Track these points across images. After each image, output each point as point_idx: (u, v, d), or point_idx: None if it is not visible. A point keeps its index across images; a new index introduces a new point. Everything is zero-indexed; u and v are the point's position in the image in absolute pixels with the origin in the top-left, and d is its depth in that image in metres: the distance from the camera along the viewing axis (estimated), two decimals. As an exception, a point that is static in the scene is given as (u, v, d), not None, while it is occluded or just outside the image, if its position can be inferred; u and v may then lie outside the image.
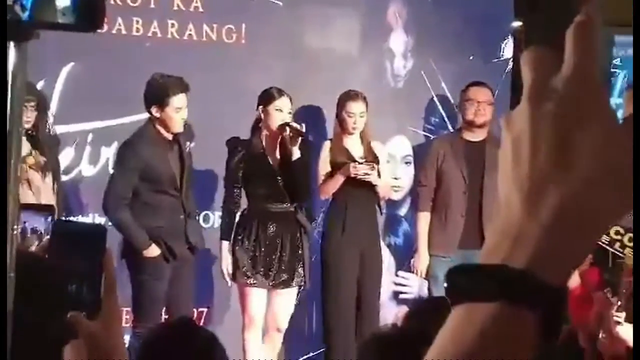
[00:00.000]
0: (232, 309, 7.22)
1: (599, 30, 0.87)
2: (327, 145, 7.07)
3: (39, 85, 6.67)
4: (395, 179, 7.79)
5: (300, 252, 6.72)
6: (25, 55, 1.19)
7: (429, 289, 7.31)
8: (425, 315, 2.83)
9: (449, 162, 7.20)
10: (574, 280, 5.71)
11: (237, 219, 6.70)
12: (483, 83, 7.34)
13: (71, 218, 6.61)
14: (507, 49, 8.18)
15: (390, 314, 7.49)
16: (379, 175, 6.97)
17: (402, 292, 7.85)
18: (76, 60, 6.93)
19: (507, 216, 0.87)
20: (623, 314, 5.85)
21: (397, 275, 7.84)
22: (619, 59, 8.78)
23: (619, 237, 5.62)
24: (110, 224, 6.20)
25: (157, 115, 6.28)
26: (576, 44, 0.86)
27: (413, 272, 7.45)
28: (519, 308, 0.83)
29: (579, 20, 0.87)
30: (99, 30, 1.23)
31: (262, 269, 6.62)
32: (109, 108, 7.02)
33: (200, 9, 7.39)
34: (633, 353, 5.62)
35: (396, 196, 7.82)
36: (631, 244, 5.62)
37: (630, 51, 8.65)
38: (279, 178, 6.64)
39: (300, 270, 6.72)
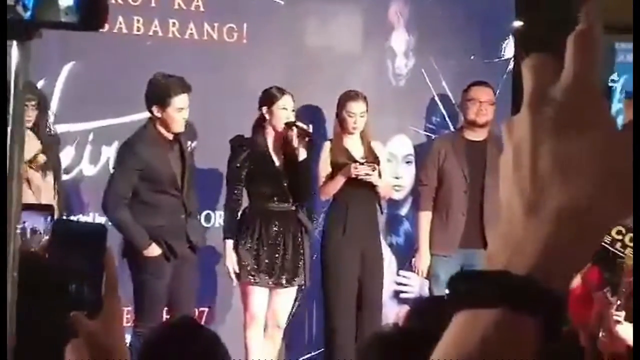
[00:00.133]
0: (233, 308, 7.22)
1: (599, 38, 0.87)
2: (327, 145, 7.07)
3: (40, 84, 6.67)
4: (397, 178, 7.79)
5: (301, 251, 6.73)
6: (28, 54, 1.19)
7: (430, 288, 7.31)
8: (426, 314, 2.83)
9: (450, 161, 7.20)
10: (575, 280, 5.70)
11: (238, 217, 6.71)
12: (485, 82, 7.34)
13: (72, 217, 6.61)
14: (508, 49, 8.19)
15: (392, 313, 7.49)
16: (379, 175, 6.97)
17: (403, 292, 7.86)
18: (77, 59, 6.93)
19: (509, 222, 0.87)
20: (623, 313, 5.85)
21: (398, 275, 7.84)
22: (619, 65, 8.80)
23: (620, 237, 5.62)
24: (110, 223, 6.21)
25: (159, 115, 6.27)
26: (577, 51, 0.87)
27: (414, 272, 7.45)
28: (520, 314, 0.84)
29: (580, 29, 0.87)
30: (100, 30, 1.23)
31: (265, 268, 6.63)
32: (109, 107, 7.02)
33: (201, 8, 7.39)
34: (633, 353, 5.62)
35: (397, 195, 7.82)
36: (632, 244, 5.62)
37: (630, 57, 8.66)
38: (283, 178, 6.65)
39: (301, 269, 6.73)
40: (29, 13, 1.17)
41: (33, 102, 6.22)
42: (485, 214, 7.07)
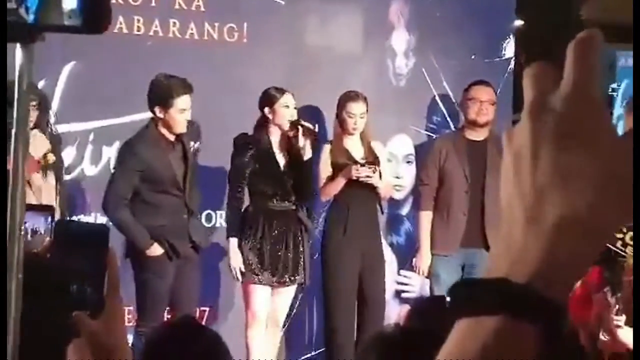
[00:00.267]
0: (234, 307, 7.22)
1: (600, 46, 0.87)
2: (327, 146, 7.07)
3: (40, 84, 6.67)
4: (397, 178, 7.80)
5: (301, 250, 6.74)
6: (31, 57, 1.19)
7: (430, 287, 7.31)
8: (427, 314, 2.83)
9: (451, 161, 7.20)
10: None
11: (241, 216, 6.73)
12: (486, 82, 7.34)
13: (73, 217, 6.61)
14: (509, 48, 8.18)
15: (393, 312, 7.49)
16: (380, 176, 6.98)
17: (404, 291, 7.86)
18: (77, 59, 6.93)
19: (510, 229, 0.87)
20: (623, 317, 5.87)
21: (399, 275, 7.84)
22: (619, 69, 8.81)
23: (620, 235, 5.63)
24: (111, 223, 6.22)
25: (161, 116, 6.28)
26: (576, 60, 0.87)
27: (415, 271, 7.45)
28: (521, 322, 0.84)
29: (580, 37, 0.88)
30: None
31: (268, 267, 6.64)
32: (110, 107, 7.02)
33: (202, 8, 7.39)
34: (633, 353, 5.62)
35: (398, 195, 7.82)
36: (632, 242, 5.63)
37: (631, 61, 8.66)
38: (286, 177, 6.66)
39: (301, 268, 6.74)
40: (32, 16, 1.17)
41: (34, 103, 6.22)
42: (486, 213, 7.07)
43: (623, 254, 5.80)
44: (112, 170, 6.66)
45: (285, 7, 7.59)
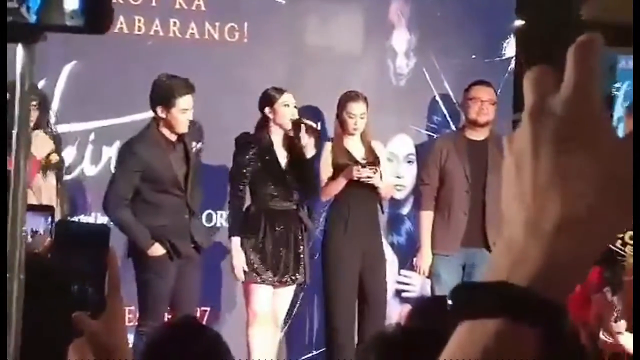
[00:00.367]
0: (235, 307, 7.23)
1: (600, 49, 0.87)
2: (328, 146, 7.07)
3: (41, 84, 6.67)
4: (398, 177, 7.80)
5: (302, 249, 6.75)
6: (33, 57, 1.19)
7: (431, 287, 7.31)
8: (428, 314, 2.83)
9: (452, 160, 7.20)
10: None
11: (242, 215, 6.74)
12: (486, 82, 7.34)
13: (73, 218, 6.61)
14: (510, 48, 8.18)
15: (394, 312, 7.49)
16: (380, 176, 6.98)
17: (404, 291, 7.86)
18: (78, 59, 6.93)
19: (510, 232, 0.88)
20: (623, 323, 5.88)
21: (399, 274, 7.84)
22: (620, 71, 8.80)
23: (620, 234, 5.63)
24: (112, 223, 6.22)
25: (163, 115, 6.28)
26: (577, 63, 0.87)
27: (415, 271, 7.45)
28: (521, 324, 0.85)
29: (581, 40, 0.88)
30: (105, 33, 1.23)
31: (270, 266, 6.64)
32: (110, 107, 7.02)
33: (202, 8, 7.40)
34: (633, 353, 5.63)
35: (399, 195, 7.82)
36: (632, 242, 5.63)
37: (631, 63, 8.67)
38: (288, 176, 6.67)
39: (302, 267, 6.75)
40: (34, 16, 1.17)
41: (34, 103, 6.22)
42: (487, 213, 7.07)
43: (623, 253, 5.80)
44: (113, 171, 6.67)
45: (285, 7, 7.59)
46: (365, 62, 7.85)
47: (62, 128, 6.79)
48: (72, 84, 6.97)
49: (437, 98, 8.00)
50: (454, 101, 7.90)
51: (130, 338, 6.14)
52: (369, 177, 6.88)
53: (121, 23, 7.06)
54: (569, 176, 0.85)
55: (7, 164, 1.22)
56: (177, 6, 7.33)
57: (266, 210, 6.67)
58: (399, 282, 7.83)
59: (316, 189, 6.93)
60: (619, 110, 8.61)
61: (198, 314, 6.89)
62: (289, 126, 6.67)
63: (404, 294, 7.84)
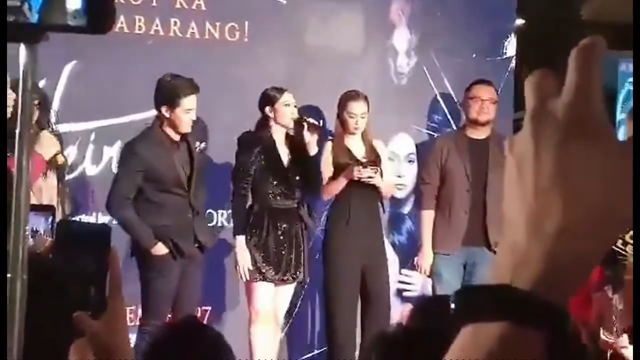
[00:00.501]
0: (236, 306, 7.23)
1: (602, 53, 0.87)
2: (329, 145, 7.07)
3: (41, 84, 6.66)
4: (399, 176, 7.79)
5: (302, 248, 6.76)
6: (35, 56, 1.19)
7: (432, 286, 7.31)
8: (430, 313, 2.83)
9: (453, 159, 7.20)
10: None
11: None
12: (487, 81, 7.34)
13: (74, 217, 6.61)
14: (510, 47, 8.18)
15: (395, 312, 7.48)
16: (381, 175, 6.98)
17: (405, 290, 7.85)
18: (78, 58, 6.92)
19: (513, 236, 0.88)
20: (625, 338, 5.90)
21: (400, 274, 7.84)
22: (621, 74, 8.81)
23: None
24: (115, 223, 6.24)
25: (167, 115, 6.30)
26: (578, 66, 0.87)
27: (417, 270, 7.45)
28: (525, 328, 0.85)
29: (583, 44, 0.88)
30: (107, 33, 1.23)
31: (272, 265, 6.65)
32: (111, 107, 7.02)
33: (203, 7, 7.39)
34: (633, 353, 5.64)
35: (400, 194, 7.82)
36: (632, 241, 5.63)
37: (632, 66, 8.67)
38: (290, 174, 6.68)
39: (302, 265, 6.76)
40: (36, 16, 1.17)
41: (35, 102, 6.22)
42: (488, 212, 7.07)
43: (624, 252, 5.80)
44: (114, 170, 6.68)
45: (286, 7, 7.59)
46: (366, 62, 7.85)
47: (63, 128, 6.79)
48: (73, 83, 6.96)
49: (438, 97, 8.00)
50: (455, 100, 7.90)
51: (133, 337, 6.16)
52: (370, 177, 6.89)
53: (122, 23, 7.05)
54: (570, 179, 0.85)
55: (10, 164, 1.21)
56: (178, 6, 7.33)
57: (269, 208, 6.69)
58: (400, 282, 7.83)
59: (319, 186, 6.93)
60: (620, 114, 8.62)
61: (200, 313, 6.89)
62: (290, 125, 6.68)
63: (405, 294, 7.84)
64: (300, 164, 6.71)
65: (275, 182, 6.68)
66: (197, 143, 6.55)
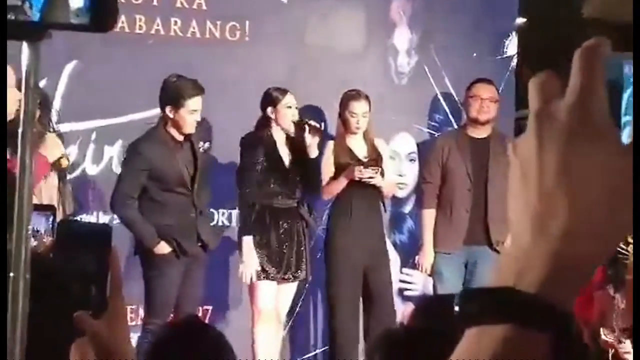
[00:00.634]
0: (238, 306, 7.23)
1: (606, 55, 0.87)
2: (330, 145, 7.07)
3: (42, 83, 6.66)
4: (400, 176, 7.79)
5: (303, 246, 6.78)
6: (38, 55, 1.19)
7: (433, 285, 7.30)
8: (431, 313, 2.83)
9: (454, 158, 7.20)
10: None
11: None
12: (488, 80, 7.34)
13: (75, 217, 6.61)
14: (511, 46, 8.18)
15: (396, 311, 7.48)
16: (382, 175, 6.98)
17: (407, 289, 7.85)
18: (79, 58, 6.92)
19: (517, 238, 0.88)
20: (628, 344, 5.90)
21: (401, 273, 7.84)
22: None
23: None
24: (117, 221, 6.25)
25: (171, 115, 6.31)
26: (582, 68, 0.87)
27: (418, 269, 7.45)
28: (529, 330, 0.85)
29: (587, 45, 0.88)
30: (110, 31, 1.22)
31: (275, 263, 6.66)
32: (112, 106, 7.02)
33: (204, 6, 7.39)
34: (633, 353, 5.64)
35: (401, 193, 7.82)
36: (632, 241, 5.63)
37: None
38: (291, 174, 6.69)
39: (304, 264, 6.77)
40: (37, 14, 1.17)
41: (36, 101, 6.19)
42: (489, 210, 7.07)
43: (625, 252, 5.81)
44: (114, 169, 6.70)
45: (287, 6, 7.59)
46: (366, 61, 7.85)
47: (63, 127, 6.79)
48: (74, 83, 6.96)
49: (439, 96, 7.99)
50: (456, 99, 7.90)
51: (136, 337, 6.16)
52: (370, 178, 6.89)
53: (122, 22, 7.05)
54: (574, 181, 0.85)
55: (13, 163, 1.21)
56: (179, 5, 7.33)
57: (270, 207, 6.70)
58: (401, 281, 7.83)
59: (319, 188, 6.93)
60: (624, 115, 8.60)
61: (201, 313, 6.89)
62: (291, 128, 6.69)
63: (406, 293, 7.84)
64: (300, 165, 6.72)
65: (276, 182, 6.70)
66: (201, 143, 6.55)
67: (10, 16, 1.19)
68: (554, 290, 0.85)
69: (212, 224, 7.19)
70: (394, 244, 7.79)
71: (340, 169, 6.96)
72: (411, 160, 7.96)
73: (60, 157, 6.17)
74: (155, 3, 7.27)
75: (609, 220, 0.85)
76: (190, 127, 6.34)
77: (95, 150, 7.11)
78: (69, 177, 6.77)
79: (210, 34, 7.42)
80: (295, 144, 6.73)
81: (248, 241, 6.64)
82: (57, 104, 6.87)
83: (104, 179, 6.88)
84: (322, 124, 7.25)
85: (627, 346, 6.00)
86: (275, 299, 6.74)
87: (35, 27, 1.19)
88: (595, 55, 0.87)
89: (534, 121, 0.88)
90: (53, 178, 6.38)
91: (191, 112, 6.30)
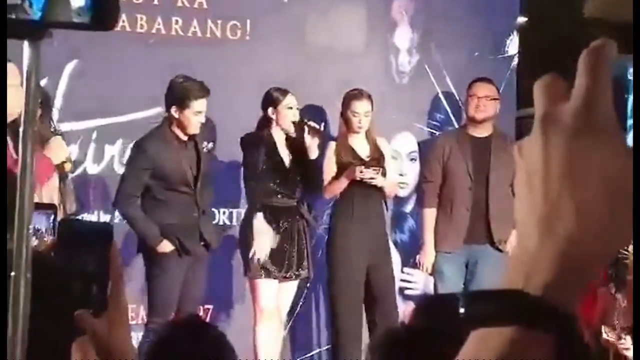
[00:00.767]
0: (239, 305, 7.23)
1: (612, 57, 0.87)
2: (332, 144, 7.07)
3: (43, 82, 6.66)
4: (401, 175, 7.79)
5: (305, 245, 6.78)
6: (39, 54, 1.18)
7: (434, 284, 7.30)
8: (433, 313, 2.83)
9: (455, 157, 7.20)
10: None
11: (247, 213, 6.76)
12: (486, 78, 7.33)
13: (76, 216, 6.61)
14: (513, 45, 8.18)
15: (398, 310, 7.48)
16: (385, 174, 6.97)
17: (407, 288, 7.85)
18: (80, 57, 6.93)
19: (524, 240, 0.88)
20: (629, 340, 5.90)
21: (402, 272, 7.83)
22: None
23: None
24: (118, 220, 6.26)
25: (176, 116, 6.33)
26: (588, 70, 0.87)
27: (419, 268, 7.45)
28: (535, 332, 0.85)
29: (593, 46, 0.87)
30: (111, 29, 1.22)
31: (277, 262, 6.66)
32: (112, 105, 7.02)
33: (204, 5, 7.39)
34: (633, 353, 5.64)
35: (402, 193, 7.81)
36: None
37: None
38: (292, 174, 6.70)
39: (305, 262, 6.78)
40: (39, 13, 1.17)
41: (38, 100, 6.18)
42: (490, 209, 7.07)
43: (625, 252, 5.81)
44: (117, 168, 6.70)
45: (287, 5, 7.59)
46: (367, 60, 7.84)
47: (64, 127, 6.79)
48: (74, 82, 6.97)
49: (440, 95, 7.99)
50: (457, 98, 7.89)
51: (139, 336, 6.17)
52: (372, 178, 6.88)
53: (123, 21, 7.05)
54: (580, 184, 0.85)
55: (13, 163, 1.21)
56: (179, 4, 7.33)
57: (271, 207, 6.70)
58: (402, 280, 7.82)
59: (319, 188, 6.93)
60: (630, 117, 8.61)
61: (202, 312, 6.89)
62: (291, 129, 6.69)
63: (406, 292, 7.84)
64: (301, 165, 6.72)
65: (276, 182, 6.70)
66: (205, 143, 6.56)
67: (11, 15, 1.19)
68: (561, 293, 0.85)
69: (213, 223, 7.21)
70: (395, 243, 7.78)
71: (342, 169, 6.95)
72: (412, 159, 7.96)
73: (65, 161, 6.17)
74: (156, 2, 7.27)
75: (615, 223, 0.85)
76: (194, 128, 6.36)
77: (96, 149, 7.12)
78: (69, 176, 6.78)
79: (211, 33, 7.42)
80: (296, 144, 6.74)
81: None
82: (58, 103, 6.87)
83: (105, 178, 6.88)
84: (323, 124, 7.24)
85: (627, 342, 6.00)
86: (276, 297, 6.74)
87: (36, 26, 1.19)
88: (601, 57, 0.87)
89: (539, 123, 0.88)
90: (54, 179, 6.38)
91: (196, 114, 6.33)
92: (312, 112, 7.38)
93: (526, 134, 0.90)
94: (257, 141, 6.68)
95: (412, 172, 7.93)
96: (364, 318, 6.98)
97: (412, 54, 8.00)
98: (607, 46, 0.87)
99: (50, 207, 1.94)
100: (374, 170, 6.89)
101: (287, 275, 6.75)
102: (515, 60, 8.13)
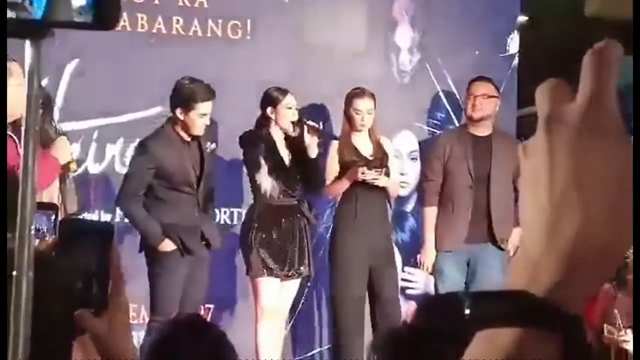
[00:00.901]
0: (240, 304, 7.23)
1: (617, 57, 0.86)
2: (335, 144, 7.06)
3: (44, 82, 6.66)
4: (402, 174, 7.78)
5: (306, 243, 6.78)
6: (39, 53, 1.18)
7: (435, 284, 7.30)
8: (434, 312, 2.82)
9: (456, 156, 7.19)
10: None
11: (248, 212, 6.75)
12: (484, 77, 7.33)
13: (77, 215, 6.61)
14: (513, 44, 8.17)
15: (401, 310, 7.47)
16: (388, 174, 6.97)
17: (408, 288, 7.85)
18: (80, 57, 6.93)
19: (528, 242, 0.88)
20: (629, 334, 5.90)
21: (403, 271, 7.83)
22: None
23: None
24: (119, 220, 6.26)
25: (181, 117, 6.34)
26: (593, 71, 0.86)
27: (419, 268, 7.44)
28: (540, 334, 0.85)
29: (597, 47, 0.87)
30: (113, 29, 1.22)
31: (278, 260, 6.67)
32: (113, 105, 7.02)
33: (205, 5, 7.40)
34: (633, 352, 5.64)
35: (403, 192, 7.81)
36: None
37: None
38: (291, 173, 6.71)
39: (306, 260, 6.78)
40: (40, 12, 1.17)
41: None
42: (491, 209, 7.06)
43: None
44: (117, 168, 6.71)
45: (288, 4, 7.59)
46: (368, 59, 7.84)
47: (65, 126, 6.79)
48: (75, 82, 6.97)
49: (441, 94, 7.99)
50: (458, 97, 7.89)
51: (138, 336, 6.17)
52: (374, 179, 6.88)
53: (124, 21, 7.05)
54: (585, 185, 0.85)
55: (15, 163, 1.21)
56: (180, 3, 7.33)
57: (271, 206, 6.70)
58: (402, 279, 7.82)
59: (319, 186, 6.93)
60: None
61: (203, 311, 6.89)
62: (290, 128, 6.69)
63: (407, 291, 7.83)
64: (301, 164, 6.73)
65: (277, 181, 6.70)
66: (208, 143, 6.57)
67: (12, 14, 1.19)
68: (567, 293, 0.85)
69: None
70: (396, 243, 7.78)
71: (345, 168, 6.95)
72: (413, 159, 7.96)
73: (70, 161, 6.17)
74: (157, 2, 7.28)
75: (620, 226, 0.85)
76: (199, 130, 6.38)
77: (97, 149, 7.12)
78: (71, 175, 6.78)
79: (212, 33, 7.42)
80: (295, 143, 6.74)
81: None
82: (59, 102, 6.88)
83: (106, 178, 6.88)
84: (322, 124, 7.23)
85: (627, 335, 5.99)
86: (278, 296, 6.74)
87: (37, 25, 1.19)
88: (606, 58, 0.86)
89: (544, 124, 0.88)
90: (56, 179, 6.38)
91: (201, 116, 6.34)
92: (313, 112, 7.38)
93: (527, 133, 0.89)
94: (255, 139, 6.68)
95: (412, 171, 7.93)
96: (366, 318, 6.98)
97: (413, 53, 8.00)
98: (612, 47, 0.87)
99: (51, 207, 1.93)
100: (376, 171, 6.89)
101: (289, 274, 6.76)
102: (516, 59, 8.12)
